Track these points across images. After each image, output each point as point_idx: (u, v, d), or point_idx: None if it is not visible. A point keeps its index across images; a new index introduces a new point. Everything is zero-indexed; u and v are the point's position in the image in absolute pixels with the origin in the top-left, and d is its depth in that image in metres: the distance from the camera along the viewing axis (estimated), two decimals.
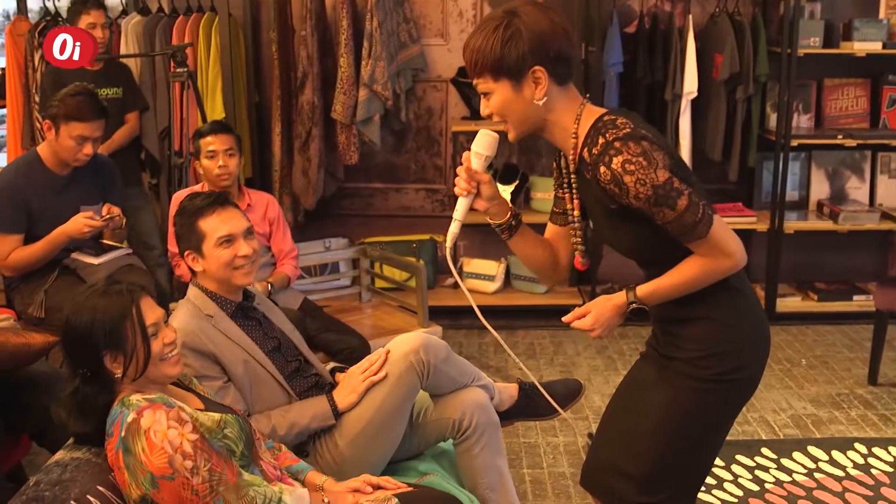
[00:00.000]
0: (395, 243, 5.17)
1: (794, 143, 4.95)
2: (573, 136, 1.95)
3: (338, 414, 2.41)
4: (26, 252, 3.47)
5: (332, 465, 2.41)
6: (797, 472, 3.45)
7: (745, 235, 5.26)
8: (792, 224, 5.05)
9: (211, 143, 3.52)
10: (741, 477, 3.41)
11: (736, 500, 3.26)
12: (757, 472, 3.45)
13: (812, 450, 3.62)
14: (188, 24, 4.74)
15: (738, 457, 3.55)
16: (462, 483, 2.53)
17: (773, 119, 5.05)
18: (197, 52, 4.75)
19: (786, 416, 3.96)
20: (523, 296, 5.19)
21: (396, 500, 2.06)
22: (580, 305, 2.09)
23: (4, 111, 5.02)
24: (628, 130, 1.87)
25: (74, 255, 3.60)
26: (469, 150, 2.02)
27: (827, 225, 5.08)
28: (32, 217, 3.48)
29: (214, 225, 2.47)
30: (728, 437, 3.52)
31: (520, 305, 5.14)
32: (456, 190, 2.02)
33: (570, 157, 1.99)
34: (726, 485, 3.35)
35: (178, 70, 4.12)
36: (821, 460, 3.54)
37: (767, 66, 4.86)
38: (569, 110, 1.96)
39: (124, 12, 4.99)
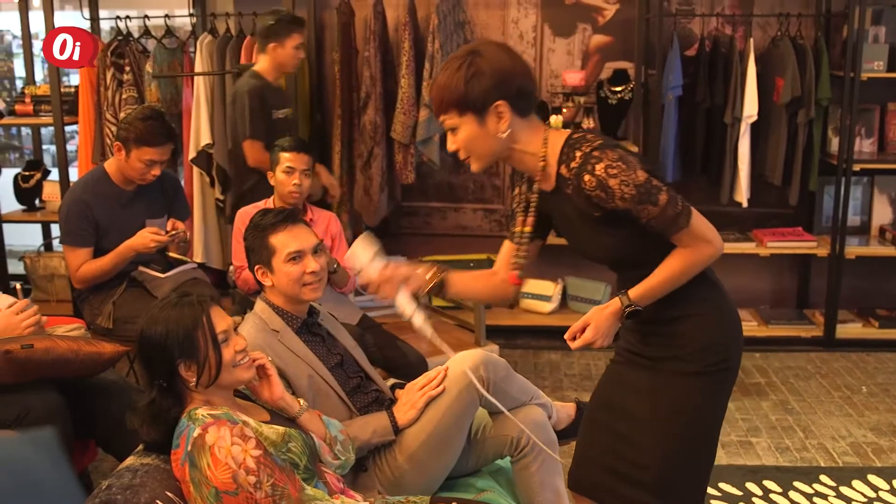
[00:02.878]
0: (453, 262, 5.21)
1: (857, 167, 4.90)
2: (542, 159, 2.07)
3: (398, 430, 2.45)
4: (96, 265, 3.57)
5: (392, 479, 2.44)
6: (856, 501, 3.40)
7: (804, 260, 5.28)
8: (853, 249, 4.99)
9: (290, 159, 3.59)
10: None
11: None
12: (815, 500, 3.41)
13: (872, 478, 3.57)
14: (255, 45, 4.84)
15: (797, 483, 3.51)
16: (518, 500, 2.55)
17: (834, 143, 5.00)
18: None
19: (845, 443, 3.90)
20: (580, 317, 5.17)
21: None
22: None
23: (77, 127, 5.17)
24: (601, 141, 2.02)
25: (142, 269, 3.70)
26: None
27: (889, 251, 5.02)
28: (100, 231, 3.58)
29: (285, 241, 2.53)
30: (786, 463, 3.51)
31: None
32: (381, 297, 2.18)
33: (537, 179, 2.11)
34: None
35: None
36: (881, 489, 3.49)
37: (830, 89, 4.81)
38: (534, 137, 2.08)
39: (193, 34, 5.12)
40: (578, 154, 2.01)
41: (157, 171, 3.56)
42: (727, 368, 2.18)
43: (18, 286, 2.90)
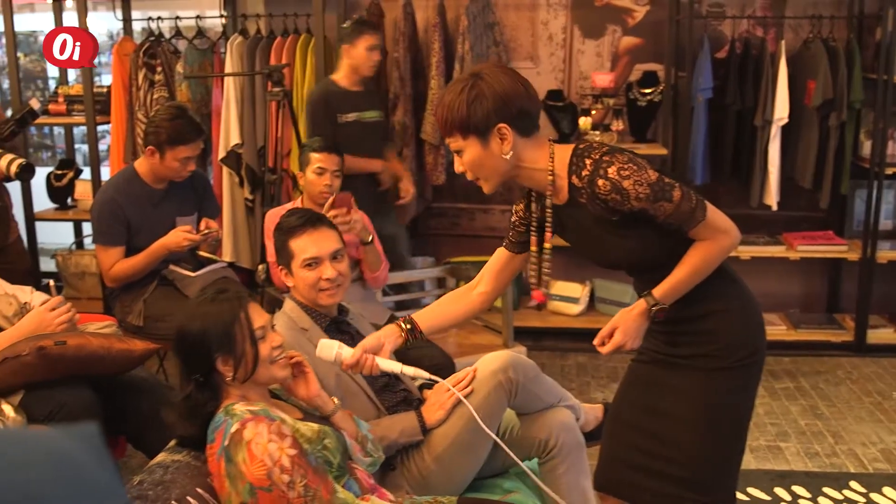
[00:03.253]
0: (481, 263, 5.18)
1: (889, 170, 4.85)
2: (550, 173, 2.09)
3: (426, 430, 2.46)
4: (128, 264, 3.60)
5: (419, 478, 2.45)
6: None
7: (835, 264, 5.23)
8: (885, 254, 4.94)
9: (321, 160, 3.61)
10: None
11: None
12: None
13: None
14: (285, 46, 4.88)
15: (826, 489, 3.48)
16: (545, 502, 2.54)
17: (866, 146, 4.96)
18: (293, 72, 4.88)
19: (876, 449, 3.87)
20: (607, 319, 5.14)
21: None
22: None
23: (109, 126, 5.22)
24: (608, 147, 2.06)
25: (172, 267, 3.73)
26: None
27: None
28: (131, 229, 3.62)
29: (303, 245, 2.55)
30: (815, 469, 3.48)
31: None
32: (367, 373, 2.25)
33: (549, 194, 2.13)
34: None
35: (275, 89, 4.24)
36: None
37: (862, 92, 4.77)
38: (540, 154, 2.11)
39: (224, 34, 5.16)
40: (588, 161, 2.04)
41: (192, 167, 3.61)
42: (756, 361, 2.21)
43: (52, 283, 2.93)
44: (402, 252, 4.75)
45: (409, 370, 2.25)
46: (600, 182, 2.01)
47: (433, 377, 2.26)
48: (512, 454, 2.22)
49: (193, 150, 3.56)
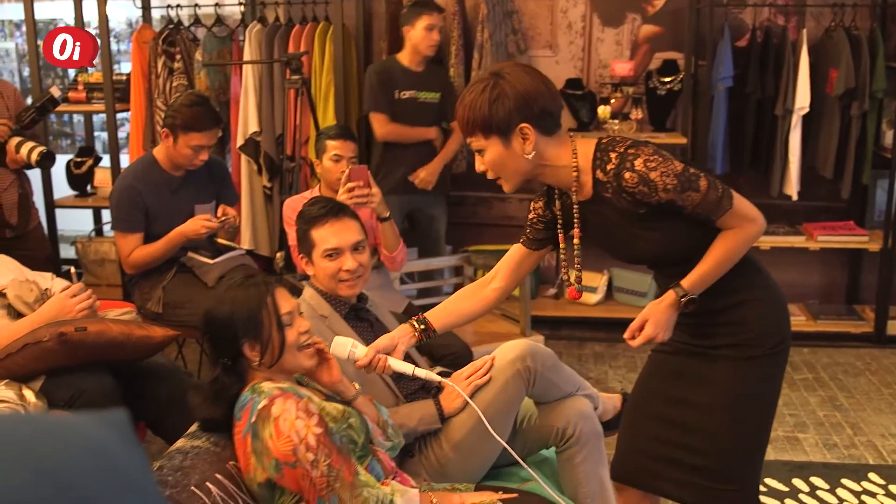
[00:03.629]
0: (498, 252, 5.18)
1: None
2: (574, 169, 2.08)
3: (444, 418, 2.46)
4: (146, 251, 3.62)
5: (437, 466, 2.45)
6: None
7: (855, 255, 5.19)
8: None
9: (337, 147, 3.60)
10: (846, 501, 3.33)
11: None
12: (864, 498, 3.36)
13: None
14: (304, 34, 4.88)
15: (844, 481, 3.47)
16: (562, 491, 2.54)
17: (888, 136, 4.90)
18: (312, 60, 4.88)
19: (895, 441, 3.84)
20: (626, 309, 5.16)
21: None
22: None
23: (128, 114, 5.24)
24: (632, 140, 2.06)
25: (191, 254, 3.74)
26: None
27: None
28: (150, 216, 3.63)
29: (324, 236, 2.55)
30: (834, 460, 3.47)
31: (621, 318, 5.08)
32: (380, 372, 2.27)
33: (574, 190, 2.11)
34: None
35: (294, 77, 4.24)
36: None
37: (885, 81, 4.73)
38: (563, 151, 2.09)
39: (243, 22, 5.16)
40: (613, 155, 2.04)
41: (204, 156, 3.60)
42: (784, 349, 2.20)
43: (73, 270, 2.95)
44: (439, 235, 4.75)
45: (422, 372, 2.26)
46: (627, 175, 2.00)
47: (446, 381, 2.27)
48: (515, 455, 2.22)
49: (207, 139, 3.56)
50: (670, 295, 2.11)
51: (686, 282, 2.09)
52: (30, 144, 3.74)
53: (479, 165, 2.13)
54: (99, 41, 4.61)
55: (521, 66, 2.08)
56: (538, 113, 2.03)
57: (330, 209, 2.59)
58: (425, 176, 4.57)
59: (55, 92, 3.90)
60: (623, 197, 2.04)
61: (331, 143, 3.61)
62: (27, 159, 3.74)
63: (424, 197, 4.63)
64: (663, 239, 2.10)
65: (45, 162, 3.75)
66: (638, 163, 1.99)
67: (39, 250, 4.01)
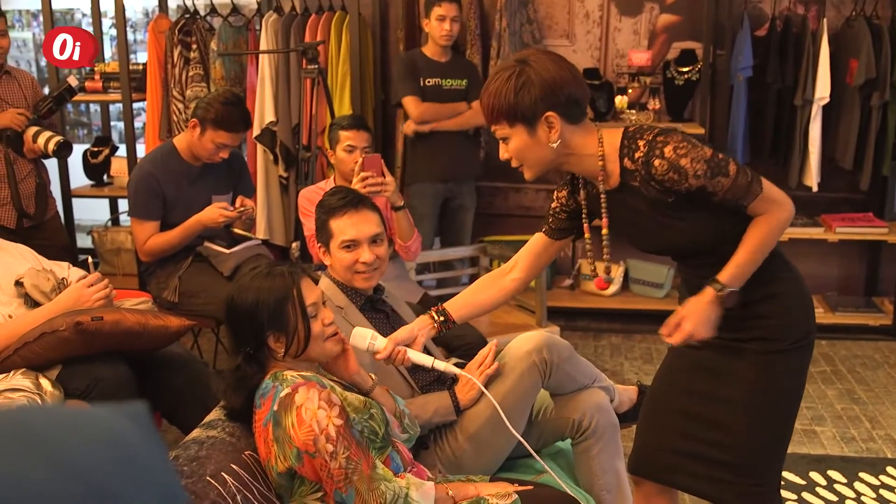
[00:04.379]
0: (514, 242, 5.17)
1: None
2: (600, 158, 2.06)
3: (459, 410, 2.45)
4: (163, 239, 3.62)
5: (452, 458, 2.45)
6: None
7: (874, 247, 5.15)
8: None
9: (350, 137, 3.59)
10: (864, 495, 3.31)
11: None
12: (882, 492, 3.34)
13: None
14: (320, 23, 4.87)
15: (862, 474, 3.44)
16: (578, 483, 2.53)
17: None
18: (328, 49, 4.87)
19: None
20: (641, 300, 5.15)
21: (517, 496, 2.08)
22: None
23: (144, 103, 5.25)
24: (660, 128, 2.03)
25: (207, 244, 3.74)
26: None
27: None
28: (167, 205, 3.64)
29: (343, 227, 2.54)
30: (851, 454, 3.44)
31: (638, 309, 5.10)
32: (399, 363, 2.27)
33: (600, 180, 2.09)
34: (848, 503, 3.26)
35: (310, 67, 4.23)
36: None
37: None
38: (589, 140, 2.07)
39: (259, 11, 5.15)
40: (642, 143, 2.01)
41: (225, 154, 3.61)
42: (810, 343, 2.17)
43: (90, 260, 2.96)
44: (465, 227, 4.74)
45: (440, 364, 2.25)
46: (657, 162, 1.97)
47: (463, 373, 2.25)
48: (529, 447, 2.21)
49: (233, 140, 3.57)
50: (708, 291, 2.04)
51: (723, 275, 2.03)
52: (47, 134, 3.75)
53: (504, 153, 2.10)
54: (110, 35, 4.62)
55: (546, 53, 2.05)
56: (564, 101, 2.00)
57: (350, 200, 2.58)
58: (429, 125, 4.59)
59: (72, 81, 3.90)
60: (652, 185, 2.01)
61: (344, 134, 3.60)
62: (44, 149, 3.75)
63: (458, 185, 4.63)
64: (691, 229, 2.07)
65: (62, 151, 3.77)
66: (668, 150, 1.96)
67: (57, 239, 4.03)
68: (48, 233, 3.97)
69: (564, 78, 1.99)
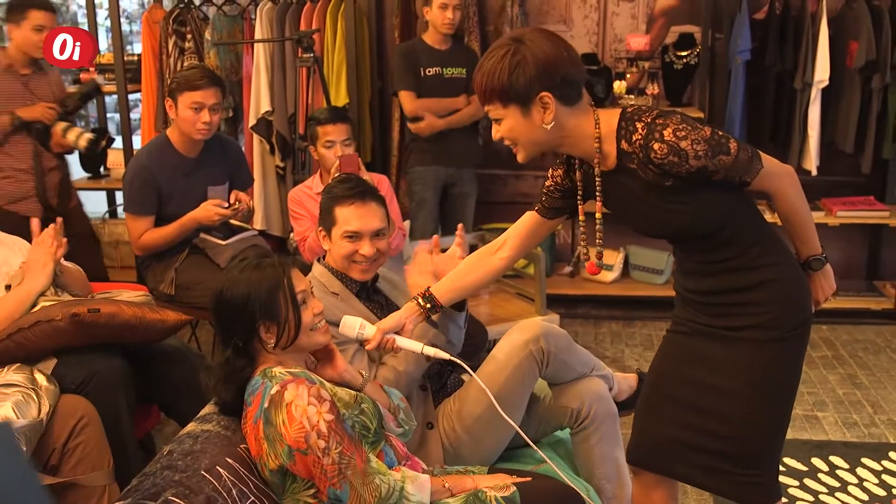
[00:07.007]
0: None
1: None
2: (597, 140, 2.01)
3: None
4: (157, 234, 3.61)
5: (450, 449, 2.43)
6: None
7: (875, 231, 5.12)
8: None
9: (329, 132, 3.56)
10: (867, 481, 3.29)
11: None
12: (884, 477, 3.32)
13: None
14: (316, 11, 4.83)
15: (865, 460, 3.43)
16: (577, 472, 2.52)
17: None
18: (323, 38, 4.83)
19: None
20: (641, 286, 5.12)
21: (515, 488, 2.06)
22: None
23: (139, 95, 5.22)
24: (658, 110, 1.99)
25: (203, 235, 3.72)
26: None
27: None
28: (162, 198, 3.62)
29: (347, 216, 2.51)
30: (853, 439, 3.43)
31: (638, 296, 5.08)
32: (388, 350, 2.24)
33: (596, 162, 2.05)
34: (851, 488, 3.25)
35: (305, 55, 4.21)
36: None
37: None
38: (584, 121, 2.02)
39: (253, 1, 5.11)
40: (640, 125, 1.96)
41: (206, 118, 3.53)
42: (806, 330, 2.16)
43: (35, 220, 2.98)
44: (466, 217, 4.72)
45: (430, 350, 2.21)
46: (656, 146, 1.93)
47: (454, 358, 2.22)
48: (527, 438, 2.20)
49: (205, 97, 3.50)
50: (825, 269, 2.24)
51: (804, 251, 2.20)
52: (77, 130, 3.94)
53: (496, 133, 2.05)
54: (105, 26, 4.63)
55: (542, 32, 1.99)
56: (560, 82, 1.95)
57: (358, 192, 2.55)
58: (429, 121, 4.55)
59: (99, 80, 4.01)
60: (650, 168, 1.97)
61: (322, 129, 3.57)
62: (75, 144, 3.93)
63: (458, 171, 4.61)
64: (687, 210, 2.03)
65: (93, 147, 3.96)
66: (667, 132, 1.93)
67: (80, 227, 4.16)
68: (71, 221, 3.94)
69: (560, 58, 1.94)
